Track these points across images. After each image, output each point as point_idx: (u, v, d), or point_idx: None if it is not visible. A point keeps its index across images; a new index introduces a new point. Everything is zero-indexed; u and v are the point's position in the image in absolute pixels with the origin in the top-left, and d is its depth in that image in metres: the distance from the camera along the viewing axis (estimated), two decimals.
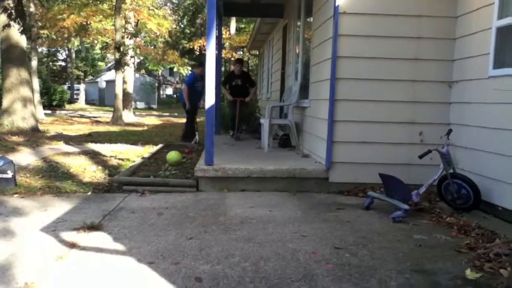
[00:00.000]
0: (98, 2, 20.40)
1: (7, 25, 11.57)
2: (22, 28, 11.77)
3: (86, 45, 42.96)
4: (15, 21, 11.60)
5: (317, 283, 2.72)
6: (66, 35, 22.85)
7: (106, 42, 28.97)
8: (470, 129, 4.81)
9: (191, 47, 28.36)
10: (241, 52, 31.78)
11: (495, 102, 4.37)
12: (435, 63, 5.21)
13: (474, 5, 4.77)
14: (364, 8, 5.13)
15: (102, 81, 44.26)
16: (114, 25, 18.34)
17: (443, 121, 5.21)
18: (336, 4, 5.05)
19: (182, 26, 39.11)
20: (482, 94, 4.59)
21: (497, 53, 4.38)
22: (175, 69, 32.52)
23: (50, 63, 47.06)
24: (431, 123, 5.23)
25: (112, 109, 19.18)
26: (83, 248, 3.27)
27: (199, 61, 11.00)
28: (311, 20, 6.85)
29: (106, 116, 22.30)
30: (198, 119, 10.47)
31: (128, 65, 19.55)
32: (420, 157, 4.34)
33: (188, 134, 9.91)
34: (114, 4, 18.45)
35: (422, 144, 5.14)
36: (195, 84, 9.65)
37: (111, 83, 32.07)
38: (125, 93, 19.80)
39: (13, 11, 11.50)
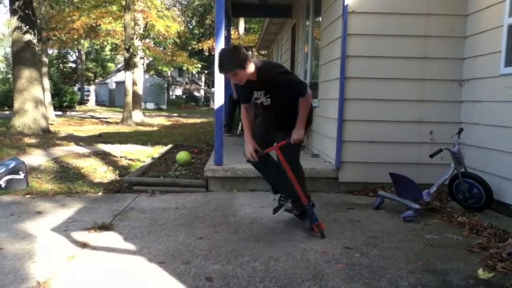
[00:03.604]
0: (107, 4, 20.53)
1: (18, 28, 11.69)
2: (32, 31, 11.89)
3: (96, 47, 43.36)
4: (28, 24, 11.72)
5: (327, 282, 2.72)
6: (76, 37, 23.02)
7: (116, 44, 29.16)
8: (481, 128, 4.77)
9: (200, 48, 28.44)
10: (250, 52, 31.79)
11: (506, 100, 4.32)
12: (445, 61, 5.17)
13: (485, 2, 4.73)
14: (373, 7, 5.11)
15: (112, 82, 44.62)
16: (123, 22, 18.40)
17: (453, 120, 5.18)
18: (345, 4, 5.03)
19: (191, 27, 39.27)
20: (493, 92, 4.55)
21: (508, 51, 4.33)
22: (184, 68, 32.58)
23: (61, 65, 47.45)
24: (442, 122, 5.20)
25: (122, 110, 19.29)
26: (94, 248, 3.29)
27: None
28: (320, 19, 6.83)
29: (116, 117, 22.44)
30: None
31: (137, 66, 19.66)
32: (431, 156, 4.31)
33: (227, 127, 9.43)
34: (123, 5, 18.55)
35: (432, 143, 5.11)
36: None
37: (121, 84, 32.31)
38: (135, 94, 19.89)
39: (23, 13, 11.63)
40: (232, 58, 3.24)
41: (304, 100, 3.44)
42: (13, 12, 11.83)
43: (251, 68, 3.30)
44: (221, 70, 3.32)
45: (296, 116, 3.52)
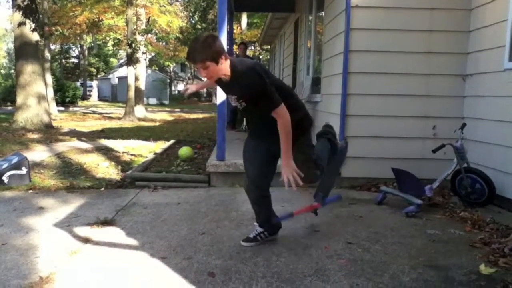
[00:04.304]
0: None
1: (22, 23, 11.68)
2: (35, 26, 11.89)
3: (98, 42, 43.34)
4: (28, 19, 11.72)
5: (329, 278, 2.72)
6: (78, 32, 23.04)
7: (118, 39, 29.18)
8: (485, 123, 4.75)
9: None
10: (252, 47, 31.78)
11: (510, 95, 4.30)
12: (449, 56, 5.15)
13: None
14: (376, 1, 5.08)
15: (114, 77, 44.65)
16: (126, 18, 18.40)
17: (456, 115, 5.16)
18: None
19: (193, 22, 39.18)
20: (497, 87, 4.52)
21: None
22: (186, 63, 32.59)
23: (63, 60, 47.50)
24: (445, 117, 5.18)
25: (124, 105, 19.32)
26: (97, 243, 3.30)
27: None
28: (323, 14, 6.81)
29: (118, 112, 22.46)
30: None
31: (139, 62, 19.65)
32: (434, 151, 4.30)
33: (231, 124, 9.59)
34: (125, 0, 18.53)
35: (435, 139, 5.10)
36: None
37: (123, 79, 32.32)
38: (137, 89, 19.89)
39: (26, 8, 11.63)
40: (205, 47, 2.67)
41: (279, 121, 2.78)
42: (15, 7, 11.83)
43: (225, 65, 2.77)
44: (189, 58, 2.74)
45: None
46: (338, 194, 3.32)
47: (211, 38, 2.75)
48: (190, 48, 2.72)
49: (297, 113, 2.93)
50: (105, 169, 6.23)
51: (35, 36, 12.05)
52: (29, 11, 11.79)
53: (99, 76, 49.23)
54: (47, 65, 20.01)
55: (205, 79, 2.94)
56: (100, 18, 21.21)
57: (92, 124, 15.04)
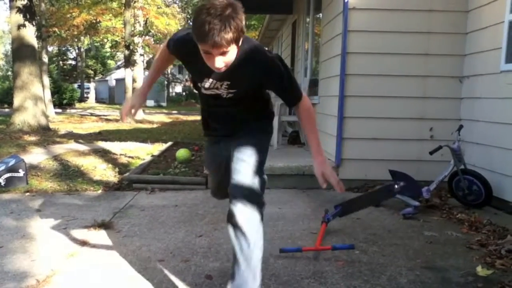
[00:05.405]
0: (108, 0, 20.53)
1: (20, 25, 11.66)
2: (33, 28, 11.87)
3: (95, 44, 43.28)
4: (27, 20, 11.70)
5: (326, 280, 2.72)
6: (75, 33, 23.05)
7: (116, 41, 29.20)
8: (481, 125, 4.76)
9: None
10: None
11: (507, 97, 4.31)
12: (446, 58, 5.17)
13: None
14: (373, 3, 5.09)
15: (112, 79, 44.59)
16: (123, 19, 18.42)
17: (453, 116, 5.17)
18: (346, 0, 5.01)
19: (191, 24, 39.28)
20: (494, 89, 4.54)
21: (509, 47, 4.32)
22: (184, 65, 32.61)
23: (61, 62, 47.43)
24: (442, 119, 5.19)
25: (122, 107, 19.32)
26: (94, 246, 3.29)
27: None
28: (320, 16, 6.82)
29: (116, 114, 22.44)
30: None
31: (137, 63, 19.66)
32: (431, 153, 4.31)
33: None
34: (123, 2, 18.55)
35: (432, 140, 5.11)
36: None
37: (121, 81, 32.30)
38: (135, 91, 19.91)
39: (24, 10, 11.61)
40: (231, 23, 1.78)
41: (305, 110, 2.26)
42: (13, 8, 11.80)
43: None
44: (206, 39, 1.79)
45: (260, 109, 2.42)
46: (352, 244, 3.28)
47: (232, 8, 1.82)
48: (210, 25, 1.77)
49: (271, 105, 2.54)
50: (102, 171, 6.21)
51: (32, 38, 12.02)
52: (27, 13, 11.78)
53: (96, 78, 49.17)
54: (45, 67, 19.98)
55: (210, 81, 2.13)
56: (98, 20, 21.25)
57: (90, 126, 15.01)
